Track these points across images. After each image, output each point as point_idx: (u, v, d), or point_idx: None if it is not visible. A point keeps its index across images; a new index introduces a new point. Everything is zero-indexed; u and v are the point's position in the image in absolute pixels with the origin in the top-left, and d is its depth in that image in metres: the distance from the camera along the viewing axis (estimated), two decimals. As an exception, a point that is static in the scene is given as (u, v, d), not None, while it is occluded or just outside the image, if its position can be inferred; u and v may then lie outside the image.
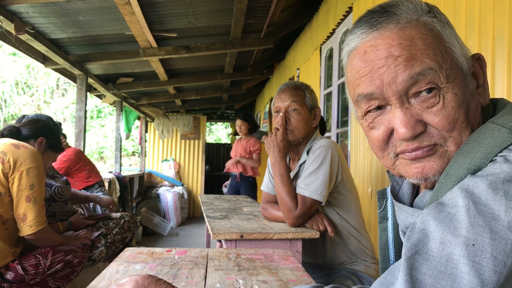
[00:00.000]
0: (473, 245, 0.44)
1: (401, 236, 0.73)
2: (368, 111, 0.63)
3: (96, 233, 2.49)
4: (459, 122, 0.58)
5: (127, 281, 0.64)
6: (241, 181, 4.64)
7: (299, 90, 1.82)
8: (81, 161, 3.72)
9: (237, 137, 4.99)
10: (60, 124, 3.28)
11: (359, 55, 0.62)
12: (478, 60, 0.64)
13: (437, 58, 0.58)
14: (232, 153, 4.81)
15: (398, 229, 0.74)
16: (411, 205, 0.69)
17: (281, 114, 1.77)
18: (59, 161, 3.55)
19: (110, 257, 2.55)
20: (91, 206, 3.60)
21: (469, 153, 0.54)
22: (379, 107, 0.62)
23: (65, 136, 3.71)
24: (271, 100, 6.39)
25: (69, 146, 3.80)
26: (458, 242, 0.45)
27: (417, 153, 0.60)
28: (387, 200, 0.77)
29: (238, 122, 4.70)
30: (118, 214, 2.75)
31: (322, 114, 3.69)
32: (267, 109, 6.88)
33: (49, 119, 2.98)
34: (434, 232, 0.48)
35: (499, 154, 0.51)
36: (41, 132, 2.10)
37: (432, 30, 0.60)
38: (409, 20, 0.60)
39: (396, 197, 0.73)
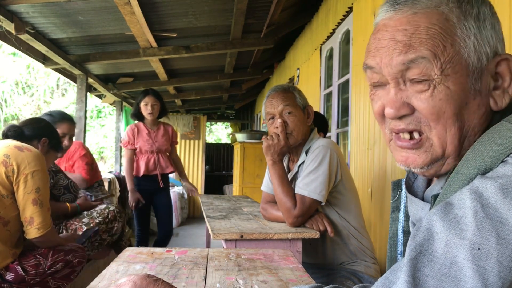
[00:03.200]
0: (479, 249, 0.44)
1: (411, 228, 0.73)
2: (373, 83, 0.66)
3: (88, 229, 2.50)
4: (444, 116, 0.58)
5: (126, 282, 0.64)
6: (162, 183, 3.46)
7: (289, 93, 1.81)
8: (84, 150, 3.66)
9: (130, 121, 3.85)
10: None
11: (375, 31, 0.65)
12: (505, 61, 0.61)
13: (435, 49, 0.57)
14: (145, 146, 3.37)
15: (409, 220, 0.74)
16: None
17: (279, 120, 1.77)
18: (79, 161, 3.43)
19: (96, 248, 2.54)
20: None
21: (481, 152, 0.53)
22: (380, 83, 0.64)
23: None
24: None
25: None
26: (463, 245, 0.45)
27: (403, 144, 0.62)
28: (401, 191, 0.77)
29: (150, 99, 3.36)
30: (103, 205, 2.74)
31: (322, 114, 3.69)
32: (263, 112, 6.87)
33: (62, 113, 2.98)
34: (440, 233, 0.47)
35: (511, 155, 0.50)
36: (44, 132, 2.09)
37: (445, 20, 0.58)
38: (428, 6, 0.59)
39: (410, 188, 0.73)
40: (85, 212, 2.59)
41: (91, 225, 2.50)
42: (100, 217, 2.57)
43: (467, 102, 0.59)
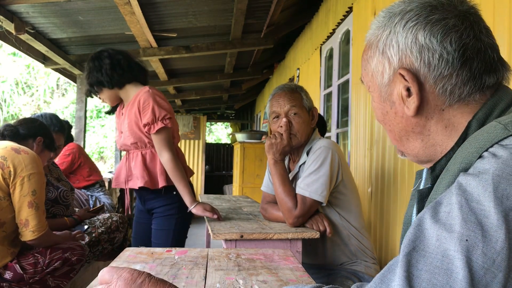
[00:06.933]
0: (467, 240, 0.46)
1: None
2: None
3: (84, 227, 2.49)
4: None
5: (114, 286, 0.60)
6: (147, 201, 2.05)
7: (296, 93, 1.80)
8: (82, 155, 3.70)
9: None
10: (67, 122, 3.28)
11: None
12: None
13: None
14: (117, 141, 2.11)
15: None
16: None
17: (284, 119, 1.76)
18: (62, 156, 3.51)
19: (97, 257, 2.53)
20: (91, 204, 3.58)
21: (466, 148, 0.56)
22: None
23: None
24: (271, 100, 6.38)
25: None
26: (452, 238, 0.47)
27: None
28: (422, 180, 0.80)
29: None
30: (106, 214, 2.73)
31: (322, 114, 3.70)
32: (267, 110, 6.89)
33: (54, 116, 2.98)
34: (430, 229, 0.49)
35: (490, 149, 0.53)
36: (40, 132, 2.09)
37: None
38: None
39: None
40: (87, 221, 2.59)
41: (94, 234, 2.49)
42: (103, 227, 2.56)
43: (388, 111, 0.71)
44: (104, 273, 0.62)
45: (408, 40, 0.64)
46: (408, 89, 0.65)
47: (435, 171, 0.66)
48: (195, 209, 1.89)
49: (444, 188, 0.56)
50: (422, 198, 0.65)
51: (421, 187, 0.79)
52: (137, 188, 1.97)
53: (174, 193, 1.98)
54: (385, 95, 0.69)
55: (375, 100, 0.72)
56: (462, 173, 0.53)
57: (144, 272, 0.62)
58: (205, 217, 1.89)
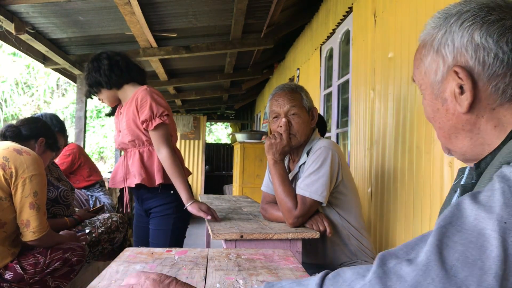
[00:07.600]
0: (505, 223, 0.47)
1: None
2: None
3: (86, 230, 2.49)
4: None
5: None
6: (144, 201, 2.05)
7: (296, 93, 1.80)
8: (82, 156, 3.70)
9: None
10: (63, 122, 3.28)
11: None
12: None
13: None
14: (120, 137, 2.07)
15: None
16: None
17: (284, 119, 1.76)
18: (62, 156, 3.51)
19: (97, 257, 2.53)
20: (91, 204, 3.58)
21: (510, 146, 0.58)
22: None
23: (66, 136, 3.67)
24: (271, 100, 6.38)
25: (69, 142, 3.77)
26: (491, 218, 0.48)
27: None
28: (463, 176, 0.81)
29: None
30: (106, 214, 2.72)
31: (322, 114, 3.70)
32: (267, 110, 6.89)
33: (54, 117, 2.97)
34: (469, 209, 0.50)
35: None
36: (42, 132, 2.09)
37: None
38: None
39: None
40: (87, 221, 2.58)
41: (94, 234, 2.48)
42: (103, 227, 2.56)
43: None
44: (131, 277, 0.66)
45: (464, 39, 0.65)
46: (461, 87, 0.66)
47: (480, 168, 0.67)
48: (190, 207, 1.87)
49: (487, 182, 0.57)
50: (465, 193, 0.67)
51: (461, 182, 0.80)
52: (134, 185, 1.96)
53: (172, 192, 1.97)
54: (438, 93, 0.70)
55: (427, 98, 0.73)
56: (505, 165, 0.55)
57: (171, 276, 0.66)
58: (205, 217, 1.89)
